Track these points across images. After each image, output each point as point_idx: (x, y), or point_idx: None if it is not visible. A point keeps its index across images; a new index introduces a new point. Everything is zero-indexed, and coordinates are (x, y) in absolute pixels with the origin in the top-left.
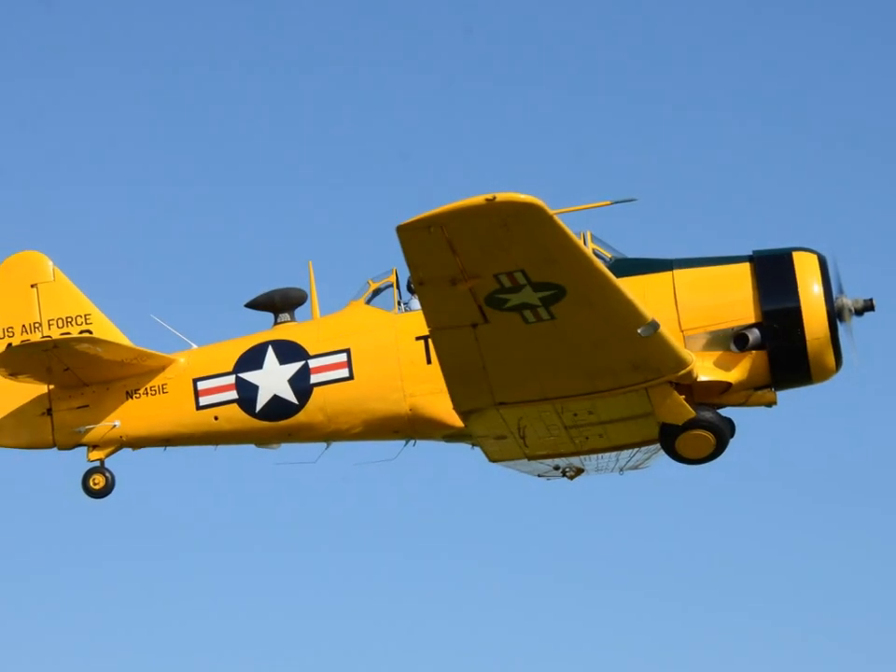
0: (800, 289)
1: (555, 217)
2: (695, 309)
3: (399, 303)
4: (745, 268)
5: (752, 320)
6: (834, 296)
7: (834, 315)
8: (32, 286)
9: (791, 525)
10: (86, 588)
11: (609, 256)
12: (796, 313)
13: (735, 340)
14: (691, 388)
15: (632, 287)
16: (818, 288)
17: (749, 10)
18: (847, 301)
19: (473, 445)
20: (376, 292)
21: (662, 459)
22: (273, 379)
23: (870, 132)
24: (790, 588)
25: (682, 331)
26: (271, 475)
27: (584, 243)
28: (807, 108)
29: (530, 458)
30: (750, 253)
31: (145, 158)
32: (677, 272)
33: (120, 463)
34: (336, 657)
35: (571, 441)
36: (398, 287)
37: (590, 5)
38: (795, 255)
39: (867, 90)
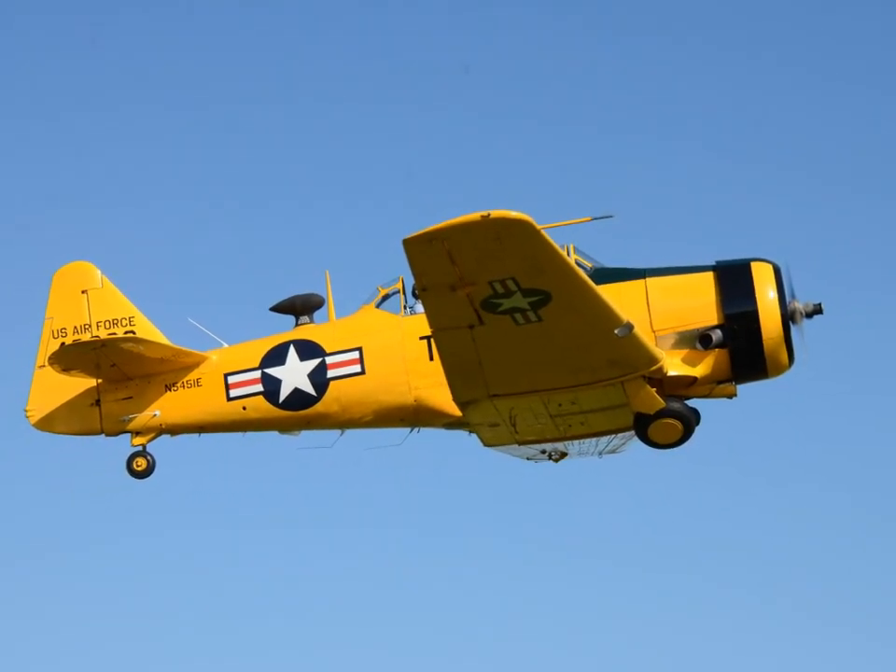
0: (757, 295)
1: (542, 232)
2: (665, 312)
3: (405, 307)
4: (709, 276)
5: (715, 322)
6: (787, 300)
7: (787, 317)
8: (82, 292)
9: (748, 504)
10: (132, 558)
11: (590, 265)
12: (754, 316)
13: (700, 339)
14: (661, 382)
15: (610, 293)
16: (772, 294)
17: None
18: (799, 305)
19: (470, 432)
20: (385, 297)
21: (636, 444)
22: (294, 374)
23: (825, 151)
24: (746, 558)
25: (654, 332)
26: (292, 459)
27: (568, 254)
28: (762, 131)
29: (520, 443)
30: (714, 263)
31: (185, 181)
32: (649, 279)
33: (160, 448)
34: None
35: (556, 428)
36: (404, 293)
37: (568, 40)
38: (753, 265)
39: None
